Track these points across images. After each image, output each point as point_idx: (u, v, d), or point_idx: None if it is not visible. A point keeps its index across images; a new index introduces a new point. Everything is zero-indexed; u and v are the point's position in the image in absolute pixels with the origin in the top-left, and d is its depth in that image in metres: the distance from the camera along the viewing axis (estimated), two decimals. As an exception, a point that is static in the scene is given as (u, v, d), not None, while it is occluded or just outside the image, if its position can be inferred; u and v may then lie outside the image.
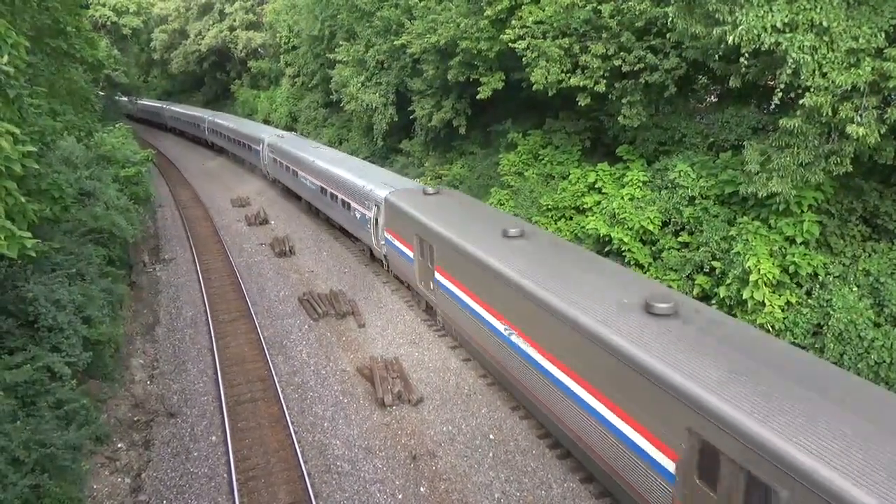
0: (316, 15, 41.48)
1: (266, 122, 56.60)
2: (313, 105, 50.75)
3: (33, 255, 7.20)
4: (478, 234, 16.17)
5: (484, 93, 23.77)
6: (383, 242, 22.25)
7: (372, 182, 23.55)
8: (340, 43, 36.76)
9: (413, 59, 28.74)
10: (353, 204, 24.86)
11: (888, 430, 7.58)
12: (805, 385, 8.57)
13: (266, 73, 64.09)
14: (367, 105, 33.34)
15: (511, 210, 23.96)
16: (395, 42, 28.99)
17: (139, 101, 69.13)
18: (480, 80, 23.93)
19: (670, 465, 9.45)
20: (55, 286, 13.54)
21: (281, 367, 17.84)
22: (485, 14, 21.78)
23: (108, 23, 56.18)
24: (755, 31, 12.44)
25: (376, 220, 22.48)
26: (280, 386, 16.63)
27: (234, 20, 66.77)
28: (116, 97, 58.85)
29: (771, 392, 8.45)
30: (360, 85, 33.96)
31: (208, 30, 68.44)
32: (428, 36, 25.37)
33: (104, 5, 55.37)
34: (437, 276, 17.78)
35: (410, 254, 19.62)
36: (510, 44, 20.90)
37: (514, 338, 13.81)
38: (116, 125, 35.51)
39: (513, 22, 20.91)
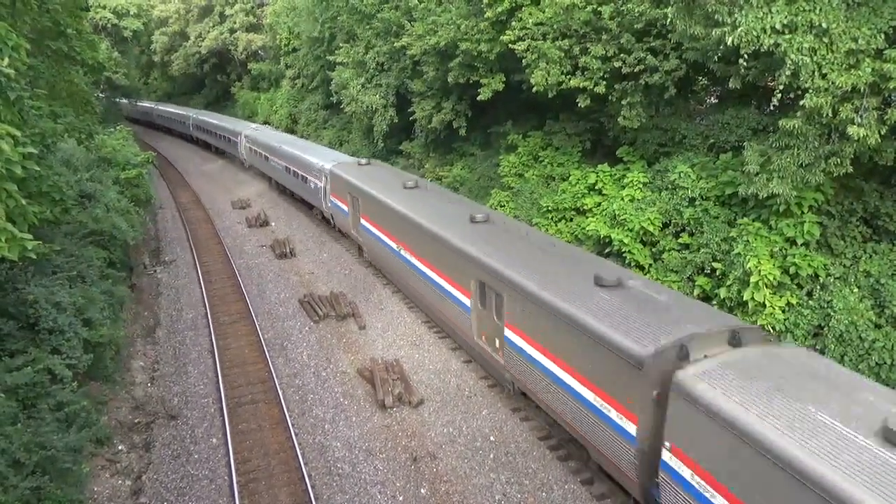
0: (316, 17, 41.53)
1: (266, 123, 56.62)
2: (313, 107, 50.78)
3: (34, 256, 7.22)
4: (388, 188, 22.44)
5: (484, 94, 23.80)
6: (330, 205, 28.14)
7: (322, 159, 29.50)
8: (340, 45, 36.81)
9: (413, 60, 28.78)
10: (308, 177, 30.65)
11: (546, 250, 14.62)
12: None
13: (266, 75, 64.14)
14: (368, 107, 33.37)
15: (511, 212, 23.99)
16: (396, 44, 29.04)
17: (137, 103, 69.52)
18: (481, 81, 23.96)
19: (467, 301, 15.87)
20: (56, 288, 13.55)
21: (281, 368, 17.85)
22: (485, 16, 21.82)
23: (109, 25, 56.28)
24: (754, 33, 12.46)
25: (325, 189, 28.27)
26: (280, 388, 16.64)
27: (235, 22, 66.86)
28: (117, 99, 58.95)
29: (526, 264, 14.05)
30: (360, 86, 34.00)
31: (208, 32, 68.54)
32: (428, 38, 25.41)
33: (104, 7, 55.51)
34: (362, 221, 23.86)
35: (346, 209, 25.75)
36: (510, 45, 20.94)
37: (404, 252, 19.94)
38: (117, 127, 35.61)
39: (513, 23, 20.95)
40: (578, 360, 11.49)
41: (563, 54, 19.99)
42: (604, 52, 19.25)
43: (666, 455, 9.59)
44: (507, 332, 14.03)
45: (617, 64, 19.20)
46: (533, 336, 13.06)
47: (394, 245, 20.82)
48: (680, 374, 9.31)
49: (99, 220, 18.62)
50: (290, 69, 54.34)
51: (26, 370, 10.98)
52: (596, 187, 21.53)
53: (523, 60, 20.79)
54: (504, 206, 24.52)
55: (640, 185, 19.83)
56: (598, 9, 19.13)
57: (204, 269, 26.26)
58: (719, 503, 8.62)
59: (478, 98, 24.32)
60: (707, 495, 8.81)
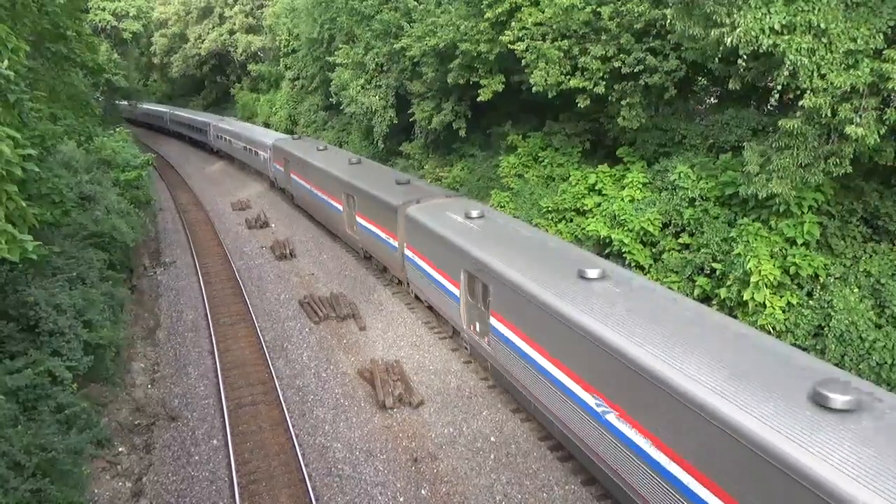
0: (315, 18, 41.55)
1: (266, 125, 56.64)
2: (313, 108, 50.82)
3: (34, 258, 7.22)
4: (308, 150, 32.85)
5: (484, 95, 23.83)
6: (272, 170, 38.67)
7: (268, 138, 40.65)
8: (340, 46, 36.82)
9: (413, 61, 28.78)
10: (259, 151, 41.43)
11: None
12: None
13: (266, 76, 64.16)
14: (367, 108, 33.41)
15: (512, 212, 24.02)
16: (395, 45, 29.06)
17: (139, 105, 69.54)
18: (480, 82, 23.98)
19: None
20: (56, 290, 13.57)
21: (282, 370, 17.86)
22: (484, 17, 21.85)
23: (108, 27, 56.38)
24: (753, 33, 12.48)
25: (268, 158, 39.02)
26: (281, 389, 16.65)
27: (234, 24, 66.88)
28: (116, 101, 59.00)
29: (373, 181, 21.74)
30: (359, 87, 34.01)
31: (208, 33, 68.56)
32: (427, 39, 25.43)
33: (104, 10, 55.61)
34: (293, 176, 33.92)
35: (283, 169, 35.84)
36: (510, 46, 20.96)
37: (321, 193, 29.03)
38: (116, 129, 35.62)
39: (512, 24, 20.97)
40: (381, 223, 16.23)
41: (562, 55, 20.01)
42: (603, 52, 19.27)
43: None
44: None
45: (616, 64, 19.23)
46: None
47: (315, 191, 30.59)
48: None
49: (99, 222, 18.65)
50: (289, 70, 54.38)
51: (26, 372, 10.99)
52: (596, 188, 21.54)
53: (523, 61, 20.81)
54: (504, 206, 24.53)
55: (640, 186, 19.83)
56: (598, 9, 19.16)
57: (204, 270, 26.27)
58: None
59: (477, 99, 24.34)
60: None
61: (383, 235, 22.16)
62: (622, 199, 19.71)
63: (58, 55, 17.92)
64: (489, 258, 14.91)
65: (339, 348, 19.08)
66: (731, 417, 8.27)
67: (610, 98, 20.10)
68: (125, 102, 63.61)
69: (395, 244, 21.17)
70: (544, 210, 22.56)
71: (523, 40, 20.64)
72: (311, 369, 17.90)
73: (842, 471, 7.10)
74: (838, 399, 7.90)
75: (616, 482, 11.30)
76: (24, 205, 7.60)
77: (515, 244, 15.60)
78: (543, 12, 20.43)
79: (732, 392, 8.58)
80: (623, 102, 19.65)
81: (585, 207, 21.37)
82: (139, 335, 20.07)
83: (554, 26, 20.23)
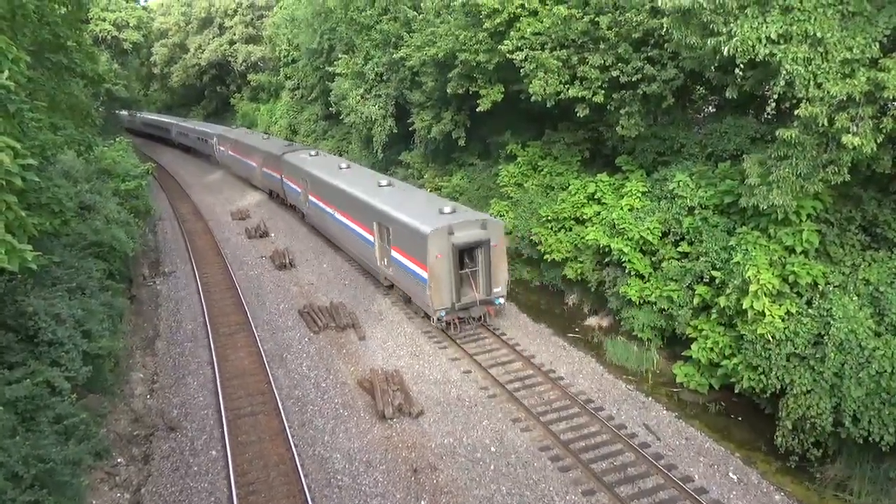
0: (315, 28, 41.78)
1: (266, 132, 56.81)
2: (313, 117, 51.00)
3: (34, 268, 7.23)
4: (242, 134, 47.29)
5: (483, 105, 23.93)
6: (219, 155, 51.44)
7: (216, 130, 53.35)
8: (339, 56, 37.01)
9: (412, 71, 28.92)
10: (209, 140, 53.59)
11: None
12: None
13: (266, 86, 64.41)
14: (367, 117, 33.55)
15: (512, 221, 24.07)
16: (394, 55, 29.21)
17: (138, 114, 69.78)
18: (480, 91, 24.09)
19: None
20: (55, 300, 13.58)
21: (281, 380, 17.86)
22: (483, 26, 21.98)
23: (109, 37, 56.57)
24: (749, 43, 12.55)
25: (215, 145, 51.82)
26: (280, 399, 16.64)
27: (234, 34, 67.21)
28: (116, 111, 59.16)
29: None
30: (359, 97, 34.19)
31: (208, 44, 68.89)
32: (427, 48, 25.58)
33: (105, 20, 55.80)
34: (223, 149, 49.02)
35: (224, 150, 49.39)
36: (508, 55, 21.07)
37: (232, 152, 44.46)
38: (116, 139, 35.71)
39: (511, 34, 21.10)
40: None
41: (561, 64, 20.12)
42: (602, 61, 19.38)
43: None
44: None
45: (615, 73, 19.33)
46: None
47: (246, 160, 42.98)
48: None
49: (98, 231, 18.68)
50: (289, 80, 54.60)
51: (25, 383, 10.99)
52: (595, 196, 21.60)
53: (522, 70, 20.92)
54: (504, 215, 24.59)
55: (639, 195, 19.88)
56: (596, 19, 19.28)
57: (203, 280, 26.30)
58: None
59: (477, 108, 24.44)
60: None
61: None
62: (621, 208, 19.75)
63: (58, 65, 18.01)
64: (389, 210, 21.75)
65: (338, 358, 19.08)
66: (414, 224, 19.78)
67: (609, 107, 20.19)
68: (125, 112, 63.84)
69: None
70: (544, 219, 22.61)
71: (522, 50, 20.76)
72: (310, 379, 17.89)
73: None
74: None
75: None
76: (23, 215, 7.63)
77: (406, 200, 22.63)
78: (542, 22, 20.56)
79: (417, 215, 20.20)
80: (622, 111, 19.74)
81: (585, 216, 21.41)
82: (138, 345, 20.08)
83: (552, 36, 20.35)
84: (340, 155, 42.10)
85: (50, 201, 13.65)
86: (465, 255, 19.77)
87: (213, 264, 28.60)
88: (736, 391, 15.58)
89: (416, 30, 27.56)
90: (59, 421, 11.13)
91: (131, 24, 58.07)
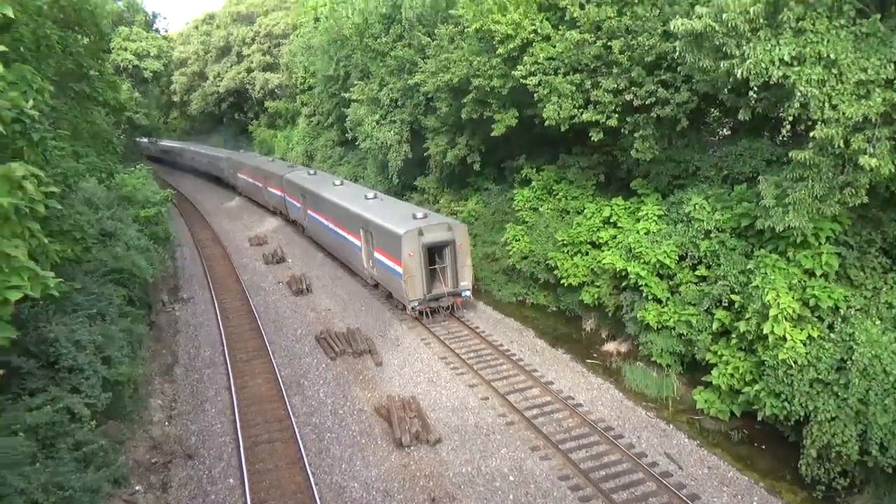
0: (331, 55, 42.46)
1: (283, 160, 57.54)
2: (329, 143, 51.58)
3: (56, 294, 7.35)
4: (250, 157, 52.84)
5: (498, 130, 24.11)
6: (228, 177, 55.73)
7: (225, 154, 57.74)
8: (355, 82, 37.52)
9: (427, 97, 29.27)
10: (218, 164, 58.58)
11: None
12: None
13: (283, 112, 65.39)
14: (382, 143, 33.85)
15: (527, 245, 24.08)
16: (409, 81, 29.58)
17: (157, 142, 71.25)
18: (494, 116, 24.28)
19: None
20: (76, 326, 13.78)
21: (298, 406, 17.89)
22: (497, 52, 22.24)
23: (130, 66, 57.94)
24: (763, 65, 12.59)
25: (225, 168, 56.71)
26: (297, 426, 16.65)
27: (252, 62, 68.48)
28: (137, 139, 60.31)
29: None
30: (374, 123, 34.56)
31: (226, 71, 70.24)
32: (441, 74, 25.89)
33: (126, 49, 57.20)
34: (232, 171, 54.91)
35: (233, 172, 53.97)
36: (522, 80, 21.27)
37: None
38: (137, 166, 36.38)
39: (524, 59, 21.32)
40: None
41: (574, 88, 20.26)
42: (615, 85, 19.50)
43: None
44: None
45: (628, 97, 19.42)
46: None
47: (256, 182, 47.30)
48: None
49: (119, 258, 18.96)
50: (305, 107, 55.42)
51: (46, 409, 11.13)
52: (611, 220, 21.59)
53: (535, 95, 21.09)
54: (519, 239, 24.62)
55: (655, 218, 19.85)
56: (608, 43, 19.44)
57: (222, 306, 26.53)
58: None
59: (491, 133, 24.62)
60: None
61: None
62: (637, 232, 19.71)
63: (81, 94, 18.52)
64: (372, 217, 25.29)
65: (355, 384, 19.09)
66: (390, 227, 23.28)
67: (623, 130, 20.25)
68: (146, 140, 65.07)
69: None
70: (560, 243, 22.60)
71: (535, 75, 20.96)
72: (327, 406, 17.91)
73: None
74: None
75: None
76: (46, 242, 7.80)
77: (387, 209, 26.25)
78: (555, 47, 20.77)
79: (394, 220, 23.67)
80: (636, 135, 19.79)
81: (601, 240, 21.38)
82: (157, 371, 20.24)
83: (566, 60, 20.53)
84: (356, 180, 42.52)
85: (72, 228, 13.89)
86: (434, 253, 23.67)
87: (232, 290, 28.85)
88: (758, 418, 15.33)
89: (430, 56, 27.94)
90: (79, 448, 11.24)
91: (152, 54, 59.47)
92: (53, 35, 15.08)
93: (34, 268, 6.85)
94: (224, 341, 22.54)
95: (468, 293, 23.69)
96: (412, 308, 22.88)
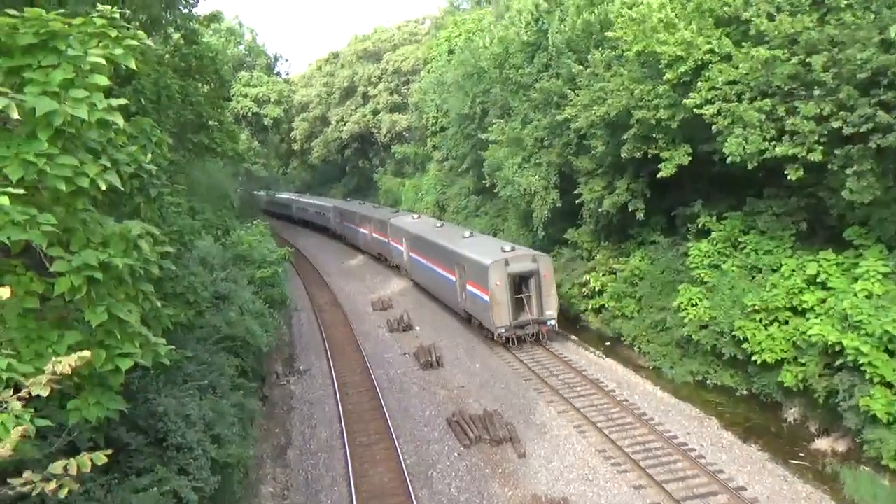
0: (466, 91, 44.02)
1: (411, 211, 59.68)
2: (463, 192, 52.98)
3: (167, 363, 7.91)
4: (356, 205, 63.40)
5: (666, 170, 23.62)
6: (335, 226, 65.99)
7: (333, 203, 69.37)
8: (493, 120, 38.51)
9: (578, 134, 29.37)
10: (326, 213, 68.32)
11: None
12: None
13: (411, 158, 68.19)
14: (525, 189, 34.21)
15: (707, 312, 23.10)
16: (557, 116, 29.90)
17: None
18: (661, 154, 23.86)
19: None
20: (186, 399, 14.82)
21: (425, 503, 17.92)
22: (664, 78, 22.00)
23: (250, 113, 63.30)
24: None
25: (332, 217, 66.53)
26: (424, 526, 16.64)
27: (378, 102, 72.74)
28: (255, 191, 65.32)
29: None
30: (516, 167, 35.07)
31: (350, 114, 74.96)
32: (595, 107, 25.95)
33: (246, 96, 62.70)
34: (339, 220, 65.62)
35: (339, 221, 64.72)
36: (696, 110, 20.82)
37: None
38: (254, 222, 39.30)
39: (699, 84, 20.90)
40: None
41: (763, 116, 19.51)
42: (818, 110, 18.53)
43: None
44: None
45: (836, 124, 18.34)
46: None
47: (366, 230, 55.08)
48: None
49: (232, 323, 20.35)
50: (437, 151, 57.51)
51: (152, 492, 11.93)
52: (818, 280, 20.30)
53: (713, 127, 20.55)
54: (696, 304, 23.67)
55: (880, 277, 18.44)
56: (807, 59, 18.62)
57: (340, 380, 27.49)
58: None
59: (658, 175, 24.16)
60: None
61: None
62: (855, 295, 18.38)
63: (199, 146, 20.27)
64: (465, 252, 32.30)
65: (493, 479, 18.88)
66: (478, 259, 30.33)
67: (830, 166, 19.11)
68: (264, 193, 70.49)
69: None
70: (749, 309, 21.44)
71: (713, 102, 20.45)
72: None
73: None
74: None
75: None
76: (159, 306, 8.48)
77: (478, 244, 33.52)
78: (737, 68, 20.22)
79: (483, 253, 30.80)
80: (849, 171, 18.56)
81: (805, 305, 20.14)
82: (269, 453, 21.19)
83: (751, 83, 19.90)
84: (494, 234, 43.19)
85: (185, 291, 15.02)
86: (521, 283, 29.47)
87: (352, 361, 29.90)
88: None
89: (581, 86, 28.16)
90: (184, 537, 11.90)
91: (272, 99, 64.70)
92: (174, 85, 16.77)
93: (146, 334, 7.43)
94: (343, 421, 23.25)
95: (553, 322, 29.04)
96: (499, 334, 28.57)
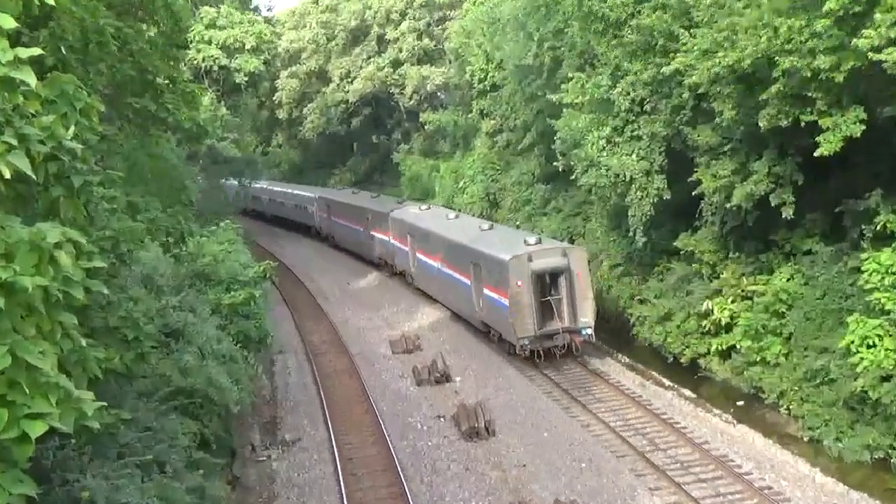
0: (530, 32, 43.82)
1: (447, 206, 58.93)
2: (525, 179, 52.40)
3: (95, 427, 7.81)
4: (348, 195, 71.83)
5: (827, 145, 23.32)
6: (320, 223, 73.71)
7: (316, 193, 74.70)
8: (570, 75, 38.20)
9: (695, 94, 29.11)
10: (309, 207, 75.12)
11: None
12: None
13: (449, 130, 67.18)
14: (617, 175, 33.93)
15: (891, 356, 22.72)
16: (664, 68, 29.63)
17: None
18: (819, 123, 23.58)
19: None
20: (122, 481, 14.78)
21: None
22: (824, 8, 21.74)
23: (215, 68, 62.24)
24: None
25: (315, 212, 74.14)
26: None
27: (401, 50, 71.88)
28: (224, 181, 65.00)
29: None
30: (603, 142, 34.81)
31: (361, 68, 74.13)
32: (721, 54, 25.69)
33: (210, 42, 60.84)
34: (323, 215, 73.89)
35: (323, 216, 73.47)
36: (873, 55, 20.55)
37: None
38: (220, 224, 39.29)
39: (877, 16, 20.62)
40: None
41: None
42: None
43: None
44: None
45: None
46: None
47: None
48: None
49: (189, 371, 20.35)
50: (486, 119, 56.99)
51: None
52: None
53: (902, 81, 20.29)
54: (875, 345, 23.27)
55: None
56: None
57: (345, 455, 27.28)
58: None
59: (815, 153, 23.86)
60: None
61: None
62: None
63: (142, 113, 20.18)
64: (480, 247, 36.99)
65: None
66: (495, 255, 35.78)
67: None
68: (234, 182, 70.14)
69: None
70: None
71: (900, 44, 20.21)
72: None
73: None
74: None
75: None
76: (84, 344, 8.45)
77: (498, 238, 37.81)
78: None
79: (502, 248, 36.36)
80: None
81: None
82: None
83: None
84: (571, 240, 42.98)
85: (122, 324, 15.01)
86: (548, 283, 33.23)
87: (361, 428, 29.74)
88: None
89: (699, 23, 27.91)
90: None
91: (248, 46, 63.22)
92: (108, 27, 16.76)
93: (66, 385, 7.39)
94: (349, 516, 23.18)
95: (590, 331, 32.43)
96: (521, 347, 31.73)
